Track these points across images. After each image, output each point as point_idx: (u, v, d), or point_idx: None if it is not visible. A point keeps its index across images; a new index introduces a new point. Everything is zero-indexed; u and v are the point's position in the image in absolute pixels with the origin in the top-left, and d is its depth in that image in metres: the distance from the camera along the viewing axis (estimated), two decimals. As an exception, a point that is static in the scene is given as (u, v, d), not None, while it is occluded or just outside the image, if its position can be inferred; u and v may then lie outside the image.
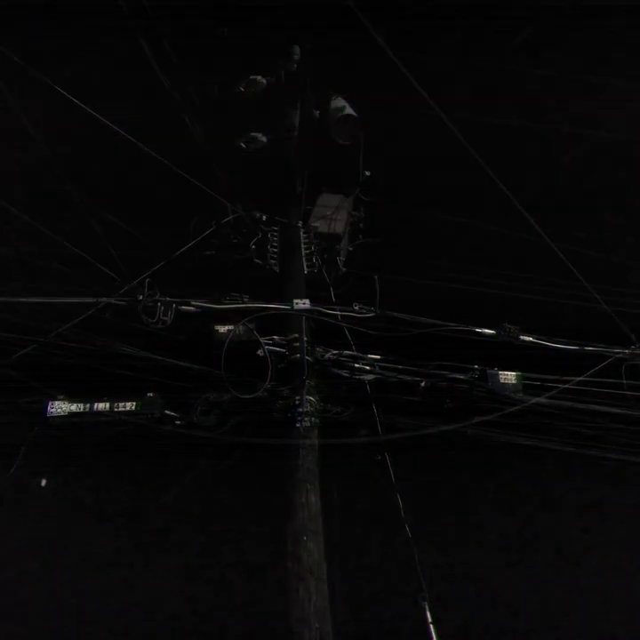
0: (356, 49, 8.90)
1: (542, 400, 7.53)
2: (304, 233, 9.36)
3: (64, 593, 9.23)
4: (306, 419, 7.39)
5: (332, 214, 9.44)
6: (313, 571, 6.83)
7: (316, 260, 9.28)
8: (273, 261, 9.23)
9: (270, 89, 9.52)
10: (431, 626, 7.03)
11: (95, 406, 7.27)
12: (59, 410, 7.24)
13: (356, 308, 7.93)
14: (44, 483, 8.09)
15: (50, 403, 7.25)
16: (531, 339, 7.98)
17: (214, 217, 8.88)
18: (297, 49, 9.53)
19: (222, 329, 7.65)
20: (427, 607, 7.11)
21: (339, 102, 9.45)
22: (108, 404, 7.27)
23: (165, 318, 7.45)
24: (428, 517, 8.71)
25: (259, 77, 9.37)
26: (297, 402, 7.48)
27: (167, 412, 7.37)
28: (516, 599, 9.43)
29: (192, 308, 7.66)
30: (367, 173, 9.55)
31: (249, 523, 7.92)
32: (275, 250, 9.25)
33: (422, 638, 6.93)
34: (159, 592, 9.02)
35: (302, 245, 9.31)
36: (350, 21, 6.55)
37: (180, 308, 7.59)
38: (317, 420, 7.47)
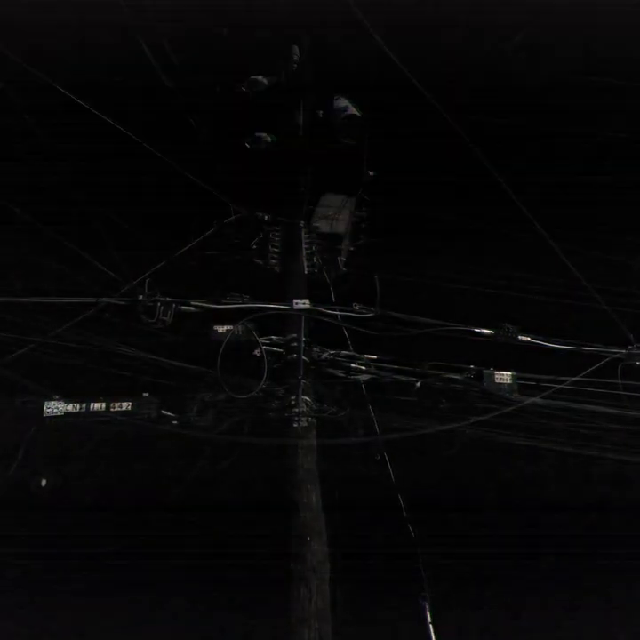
0: (355, 49, 8.89)
1: (538, 400, 7.54)
2: (306, 233, 9.35)
3: (64, 593, 9.23)
4: (302, 418, 7.39)
5: (335, 214, 9.43)
6: (316, 570, 6.85)
7: (317, 259, 9.27)
8: (274, 261, 9.21)
9: (272, 89, 9.50)
10: (431, 626, 7.04)
11: (91, 406, 7.27)
12: (55, 410, 7.25)
13: (356, 307, 7.93)
14: (44, 483, 8.09)
15: (46, 403, 7.26)
16: (529, 338, 7.97)
17: (215, 217, 8.89)
18: (297, 49, 9.52)
19: (221, 329, 7.64)
20: (427, 607, 7.12)
21: (341, 102, 9.43)
22: (103, 404, 7.27)
23: (165, 318, 7.46)
24: (429, 517, 8.69)
25: (260, 77, 9.35)
26: (292, 402, 7.48)
27: (163, 412, 7.37)
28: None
29: (192, 307, 7.66)
30: (371, 173, 9.52)
31: (249, 523, 7.91)
32: (276, 250, 9.24)
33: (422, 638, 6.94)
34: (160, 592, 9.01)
35: (303, 245, 9.30)
36: (350, 21, 6.56)
37: (179, 307, 7.59)
38: (314, 420, 7.47)
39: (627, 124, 9.44)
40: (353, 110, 9.18)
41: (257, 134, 9.34)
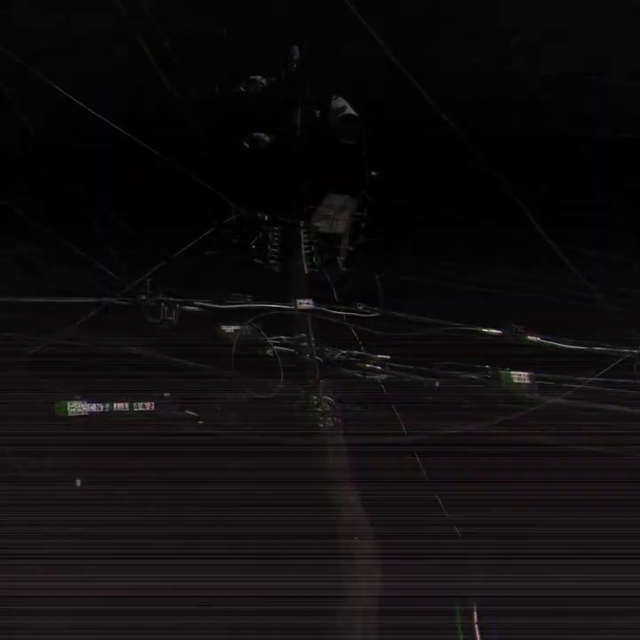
0: (355, 48, 8.86)
1: (561, 400, 7.52)
2: (305, 233, 9.33)
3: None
4: (328, 418, 7.39)
5: (335, 214, 9.40)
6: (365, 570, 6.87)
7: (317, 260, 9.25)
8: (273, 262, 9.18)
9: (270, 89, 9.48)
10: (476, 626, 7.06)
11: (114, 406, 7.27)
12: (79, 410, 7.23)
13: (360, 307, 7.92)
14: (79, 483, 8.06)
15: (69, 403, 7.23)
16: (537, 338, 7.96)
17: (215, 216, 8.85)
18: (296, 49, 9.49)
19: (228, 329, 7.62)
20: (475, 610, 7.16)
21: (339, 102, 9.41)
22: (126, 405, 7.28)
23: (171, 318, 7.42)
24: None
25: (259, 77, 9.32)
26: (315, 402, 7.47)
27: (188, 411, 7.36)
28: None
29: (195, 308, 7.62)
30: (374, 174, 9.49)
31: (282, 522, 7.86)
32: (276, 250, 9.21)
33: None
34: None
35: (303, 245, 9.28)
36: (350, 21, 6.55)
37: (183, 308, 7.55)
38: (339, 420, 7.46)
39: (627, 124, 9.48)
40: (350, 111, 9.18)
41: (255, 134, 9.32)
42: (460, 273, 9.08)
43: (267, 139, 9.03)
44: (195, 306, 7.63)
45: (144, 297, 7.44)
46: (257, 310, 7.67)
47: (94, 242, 8.17)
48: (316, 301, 7.85)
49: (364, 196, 9.36)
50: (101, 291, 7.54)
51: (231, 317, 7.70)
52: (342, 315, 7.87)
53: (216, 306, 7.69)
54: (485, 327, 7.89)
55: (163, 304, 7.42)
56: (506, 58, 9.52)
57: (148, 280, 7.61)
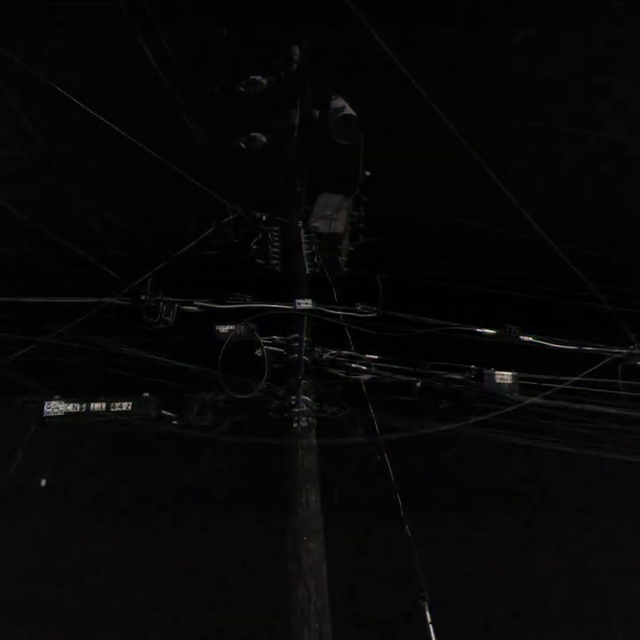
0: (355, 48, 8.88)
1: (538, 400, 7.56)
2: (305, 233, 9.34)
3: (63, 593, 9.20)
4: (303, 418, 7.39)
5: (332, 214, 9.41)
6: (313, 571, 6.84)
7: (318, 259, 9.26)
8: (275, 261, 9.20)
9: (270, 89, 9.50)
10: (431, 626, 7.04)
11: (91, 406, 7.26)
12: (55, 410, 7.24)
13: (359, 307, 7.94)
14: (43, 483, 8.07)
15: (46, 403, 7.24)
16: (531, 338, 7.99)
17: (214, 216, 8.87)
18: (297, 49, 9.52)
19: (223, 329, 7.64)
20: (426, 607, 7.12)
21: (338, 102, 9.43)
22: (103, 404, 7.26)
23: (168, 318, 7.45)
24: (427, 517, 8.70)
25: (259, 77, 9.34)
26: (293, 402, 7.48)
27: (164, 411, 7.37)
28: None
29: (195, 307, 7.66)
30: (367, 173, 9.51)
31: (248, 522, 7.90)
32: (276, 250, 9.23)
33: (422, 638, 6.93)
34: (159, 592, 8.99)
35: (303, 245, 9.29)
36: (350, 20, 6.54)
37: (182, 307, 7.58)
38: (314, 420, 7.47)
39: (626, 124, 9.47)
40: (349, 110, 9.19)
41: (252, 134, 9.35)
42: (459, 273, 9.11)
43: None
44: (194, 306, 7.66)
45: (143, 297, 7.46)
46: (256, 310, 7.69)
47: (94, 242, 8.21)
48: (316, 301, 7.86)
49: (359, 197, 9.39)
50: (101, 291, 7.58)
51: (230, 317, 7.74)
52: (339, 314, 7.88)
53: (215, 306, 7.72)
54: (481, 327, 7.91)
55: (161, 304, 7.45)
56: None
57: (149, 280, 7.65)
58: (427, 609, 7.10)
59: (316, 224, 9.40)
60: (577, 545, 9.28)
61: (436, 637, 6.99)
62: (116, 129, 7.45)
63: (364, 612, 8.95)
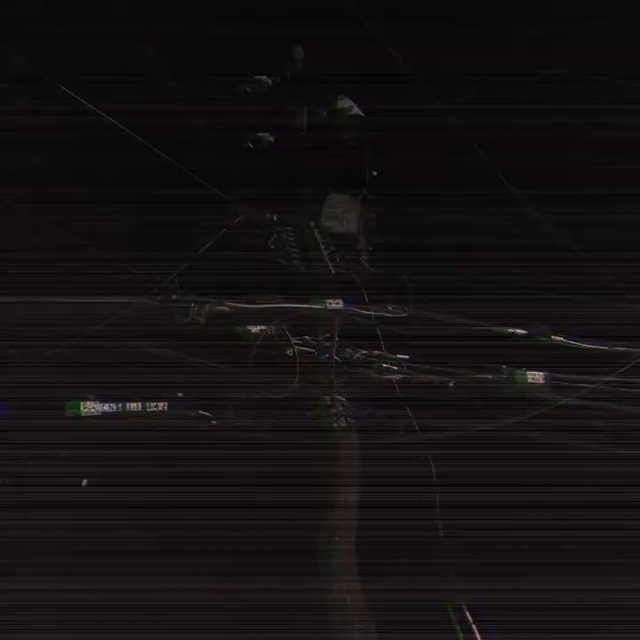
0: (357, 48, 8.87)
1: (573, 400, 7.58)
2: (319, 233, 9.35)
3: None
4: (340, 418, 7.43)
5: (343, 214, 9.43)
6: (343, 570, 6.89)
7: (339, 260, 9.27)
8: (296, 262, 9.21)
9: (276, 89, 9.50)
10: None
11: (127, 406, 7.29)
12: (91, 410, 7.26)
13: (390, 308, 7.96)
14: (85, 483, 8.07)
15: (82, 403, 7.26)
16: (562, 339, 8.02)
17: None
18: (301, 49, 9.51)
19: (254, 329, 7.66)
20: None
21: (345, 102, 9.44)
22: (139, 405, 7.29)
23: (199, 318, 7.47)
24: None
25: (264, 78, 9.34)
26: (328, 402, 7.51)
27: (201, 411, 7.39)
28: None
29: (225, 307, 7.67)
30: (374, 173, 9.52)
31: (288, 521, 7.89)
32: (295, 250, 9.24)
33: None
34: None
35: (321, 245, 9.30)
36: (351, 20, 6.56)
37: (213, 308, 7.60)
38: (352, 420, 7.51)
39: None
40: (357, 110, 9.21)
41: (259, 134, 9.36)
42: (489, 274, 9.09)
43: (271, 139, 9.06)
44: (225, 306, 7.68)
45: (174, 297, 7.49)
46: (287, 310, 7.72)
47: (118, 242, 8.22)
48: (347, 302, 7.89)
49: (367, 196, 9.39)
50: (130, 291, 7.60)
51: (260, 318, 7.77)
52: (371, 315, 7.91)
53: (246, 306, 7.74)
54: (513, 327, 7.94)
55: (193, 304, 7.47)
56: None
57: (177, 280, 7.67)
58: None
59: (327, 224, 9.40)
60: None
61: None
62: (123, 128, 7.50)
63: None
